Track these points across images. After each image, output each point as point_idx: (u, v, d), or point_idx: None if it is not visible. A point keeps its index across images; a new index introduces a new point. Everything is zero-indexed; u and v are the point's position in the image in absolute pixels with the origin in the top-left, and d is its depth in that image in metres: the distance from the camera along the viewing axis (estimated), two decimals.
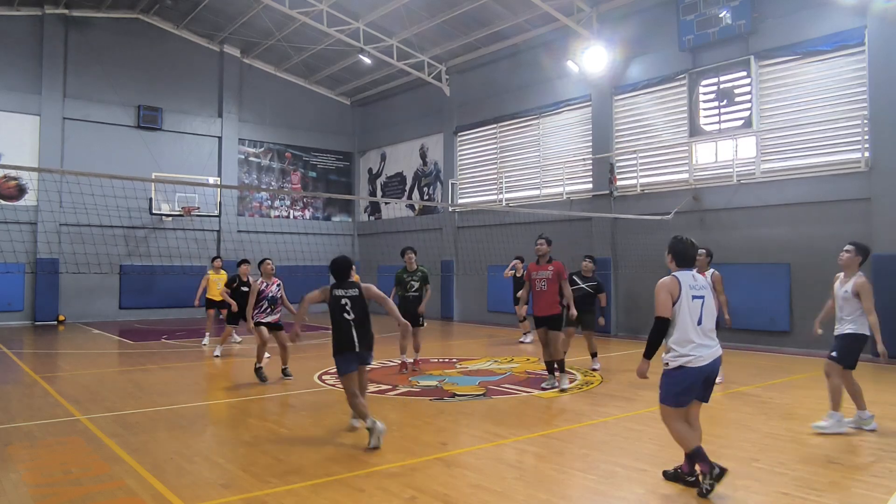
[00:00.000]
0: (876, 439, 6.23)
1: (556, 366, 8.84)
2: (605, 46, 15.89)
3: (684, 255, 5.06)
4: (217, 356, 12.10)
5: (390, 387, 8.98)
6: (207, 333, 14.03)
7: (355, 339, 6.32)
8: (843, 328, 6.64)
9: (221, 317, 13.41)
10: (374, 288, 6.57)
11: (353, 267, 6.77)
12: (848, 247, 6.66)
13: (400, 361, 10.52)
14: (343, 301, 6.42)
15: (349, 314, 6.40)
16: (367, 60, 20.62)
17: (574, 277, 10.56)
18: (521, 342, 14.26)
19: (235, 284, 12.44)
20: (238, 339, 13.17)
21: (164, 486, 4.87)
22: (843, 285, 6.63)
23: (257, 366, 9.60)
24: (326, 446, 6.04)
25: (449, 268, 20.67)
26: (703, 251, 9.36)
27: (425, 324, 10.84)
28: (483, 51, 19.88)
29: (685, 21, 14.45)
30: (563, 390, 8.57)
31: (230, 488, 4.89)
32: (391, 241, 22.92)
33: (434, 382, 9.35)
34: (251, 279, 12.25)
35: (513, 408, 7.77)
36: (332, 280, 6.60)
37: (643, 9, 15.68)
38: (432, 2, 17.85)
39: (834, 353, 6.63)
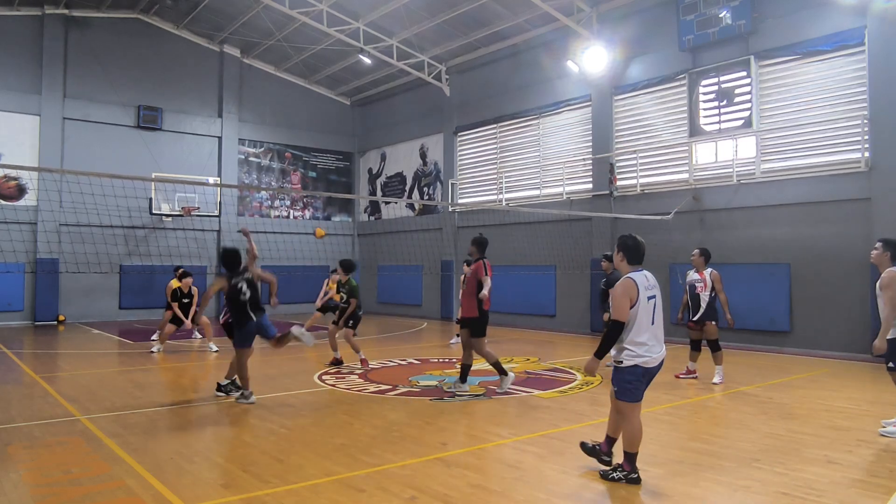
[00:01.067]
0: (876, 439, 6.23)
1: (499, 370, 8.62)
2: (605, 46, 15.89)
3: (636, 252, 5.06)
4: (154, 351, 12.61)
5: (390, 387, 8.98)
6: (205, 337, 13.50)
7: (250, 312, 7.89)
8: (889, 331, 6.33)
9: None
10: (258, 270, 8.20)
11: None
12: (877, 244, 6.55)
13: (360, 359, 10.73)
14: (240, 286, 7.91)
15: (244, 295, 7.89)
16: (367, 60, 20.62)
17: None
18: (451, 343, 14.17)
19: (179, 297, 13.13)
20: (215, 348, 12.72)
21: (164, 486, 4.87)
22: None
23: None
24: (326, 446, 6.04)
25: (449, 268, 20.66)
26: (697, 250, 9.43)
27: (353, 327, 10.75)
28: (483, 51, 19.88)
29: (685, 21, 14.45)
30: (452, 395, 8.37)
31: (230, 488, 4.89)
32: (391, 241, 22.94)
33: (434, 382, 9.34)
34: (195, 290, 13.57)
35: (513, 408, 7.78)
36: (225, 271, 8.07)
37: (643, 9, 15.68)
38: (432, 2, 17.85)
39: (891, 364, 6.34)
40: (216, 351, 12.53)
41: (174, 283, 13.39)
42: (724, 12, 13.75)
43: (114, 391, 8.82)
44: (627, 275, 4.99)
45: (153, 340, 13.40)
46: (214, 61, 22.86)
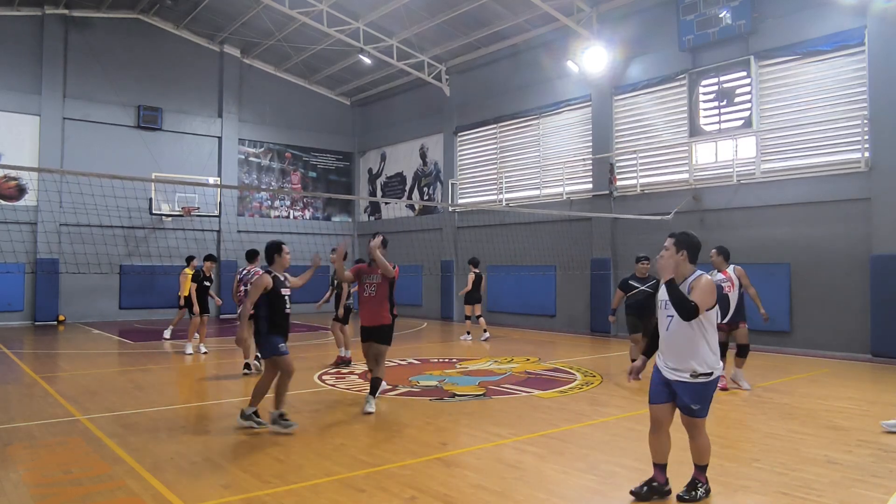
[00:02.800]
0: (876, 439, 6.23)
1: (378, 385, 7.72)
2: (605, 46, 15.88)
3: (698, 250, 4.58)
4: (202, 353, 12.33)
5: (391, 387, 8.97)
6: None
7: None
8: None
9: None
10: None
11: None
12: None
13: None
14: (284, 291, 6.87)
15: (288, 306, 6.92)
16: (367, 60, 20.62)
17: (630, 282, 10.01)
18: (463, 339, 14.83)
19: (200, 279, 12.70)
20: (204, 350, 12.51)
21: (164, 486, 4.87)
22: None
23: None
24: (326, 446, 6.04)
25: (449, 268, 20.67)
26: (714, 250, 8.82)
27: (338, 318, 10.95)
28: (483, 51, 19.88)
29: (685, 21, 14.45)
30: (367, 413, 7.42)
31: (230, 488, 4.89)
32: (391, 241, 22.86)
33: (434, 382, 9.34)
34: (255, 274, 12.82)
35: (513, 408, 7.77)
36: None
37: (643, 9, 15.68)
38: (432, 2, 17.85)
39: None
40: (205, 353, 12.47)
41: (188, 271, 13.15)
42: (724, 12, 13.74)
43: (114, 391, 8.82)
44: (704, 273, 4.50)
45: (182, 341, 13.20)
46: (214, 61, 22.86)
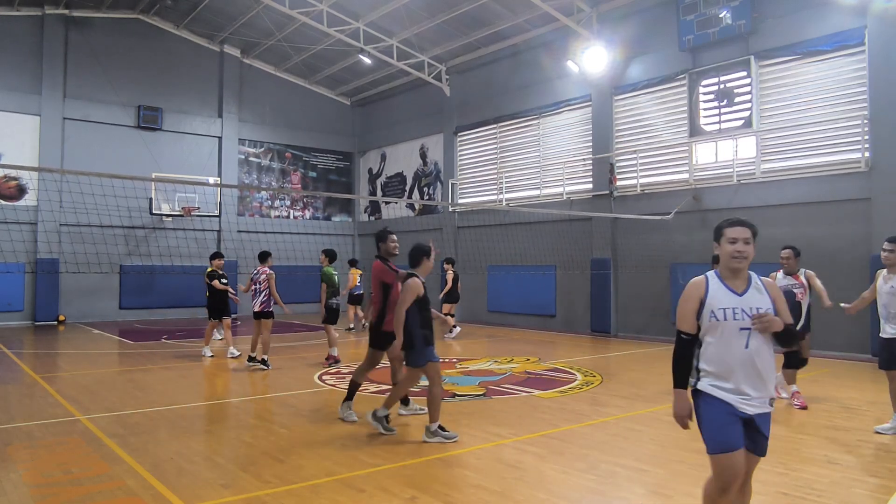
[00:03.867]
0: (876, 439, 6.23)
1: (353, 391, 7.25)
2: (605, 46, 15.88)
3: None
4: (211, 356, 12.10)
5: (391, 387, 8.96)
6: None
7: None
8: (887, 330, 6.40)
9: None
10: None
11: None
12: (886, 244, 6.39)
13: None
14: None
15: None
16: (367, 60, 20.61)
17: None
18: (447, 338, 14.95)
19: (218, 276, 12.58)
20: (211, 354, 12.31)
21: (164, 486, 4.87)
22: (888, 282, 6.39)
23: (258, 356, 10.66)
24: (326, 446, 6.04)
25: None
26: (789, 250, 7.89)
27: (328, 319, 11.06)
28: (483, 51, 19.87)
29: (685, 21, 14.45)
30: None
31: (230, 488, 4.89)
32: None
33: None
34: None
35: (513, 408, 7.77)
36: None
37: (643, 9, 15.68)
38: (432, 2, 17.85)
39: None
40: (211, 356, 12.15)
41: (209, 269, 13.15)
42: (724, 12, 13.74)
43: (114, 391, 8.82)
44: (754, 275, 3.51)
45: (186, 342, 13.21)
46: (214, 61, 22.85)
